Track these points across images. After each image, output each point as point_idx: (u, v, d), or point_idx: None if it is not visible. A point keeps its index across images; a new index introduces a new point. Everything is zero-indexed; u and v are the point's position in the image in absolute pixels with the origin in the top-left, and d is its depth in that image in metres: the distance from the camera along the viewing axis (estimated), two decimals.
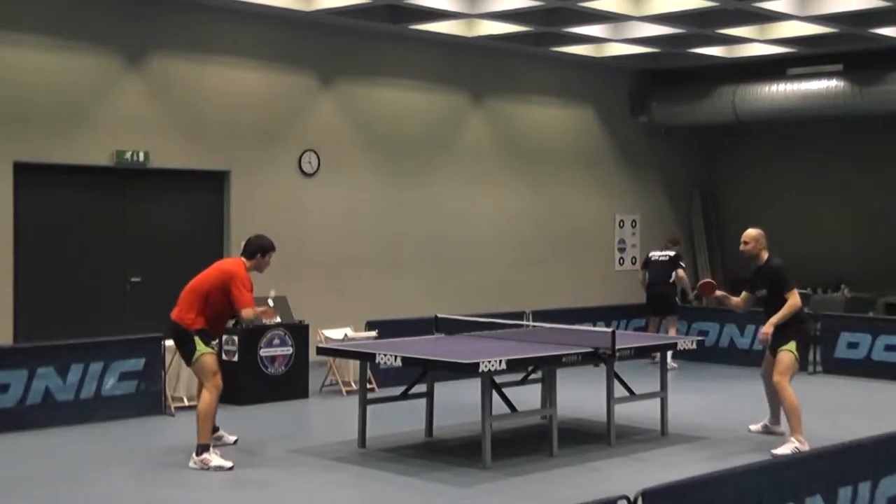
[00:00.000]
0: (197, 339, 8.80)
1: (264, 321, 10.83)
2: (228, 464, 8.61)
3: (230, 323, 12.24)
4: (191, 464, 8.62)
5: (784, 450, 9.02)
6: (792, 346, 9.42)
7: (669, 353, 12.76)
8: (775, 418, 9.95)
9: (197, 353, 8.81)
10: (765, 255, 9.67)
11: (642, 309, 15.27)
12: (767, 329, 9.46)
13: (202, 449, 8.63)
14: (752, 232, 9.74)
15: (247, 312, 8.81)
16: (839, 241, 18.60)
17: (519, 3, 13.80)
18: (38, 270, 12.67)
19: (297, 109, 14.76)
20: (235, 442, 9.50)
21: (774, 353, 9.55)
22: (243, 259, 9.10)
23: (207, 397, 8.76)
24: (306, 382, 12.09)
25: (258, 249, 9.10)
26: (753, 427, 10.17)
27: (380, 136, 15.64)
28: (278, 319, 11.63)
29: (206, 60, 13.91)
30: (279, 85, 14.57)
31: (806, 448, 8.87)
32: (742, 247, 9.74)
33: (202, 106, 13.87)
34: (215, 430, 9.22)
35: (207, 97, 13.91)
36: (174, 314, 8.93)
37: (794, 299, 9.41)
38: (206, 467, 8.56)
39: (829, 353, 13.91)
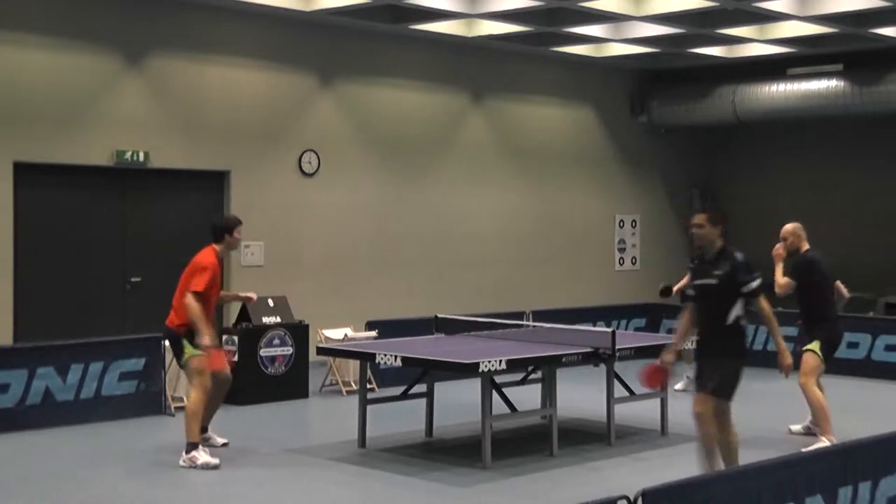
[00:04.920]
0: (185, 341, 8.90)
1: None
2: (215, 461, 8.65)
3: (230, 323, 12.34)
4: (180, 462, 8.69)
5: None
6: (816, 346, 9.37)
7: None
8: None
9: (185, 356, 8.92)
10: (804, 248, 9.58)
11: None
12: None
13: (191, 447, 8.71)
14: (787, 227, 9.62)
15: (188, 298, 8.71)
16: (839, 241, 18.57)
17: (519, 3, 13.79)
18: (38, 270, 12.66)
19: (297, 109, 14.75)
20: (225, 445, 9.42)
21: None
22: (214, 246, 9.05)
23: (195, 396, 8.84)
24: (306, 382, 12.09)
25: (224, 229, 9.08)
26: (794, 427, 10.06)
27: (380, 136, 15.63)
28: (254, 296, 10.40)
29: (206, 60, 13.90)
30: (279, 85, 14.56)
31: None
32: (782, 243, 9.60)
33: (202, 106, 13.86)
34: (204, 430, 9.20)
35: (207, 97, 13.90)
36: (167, 319, 9.06)
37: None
38: (194, 465, 8.62)
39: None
